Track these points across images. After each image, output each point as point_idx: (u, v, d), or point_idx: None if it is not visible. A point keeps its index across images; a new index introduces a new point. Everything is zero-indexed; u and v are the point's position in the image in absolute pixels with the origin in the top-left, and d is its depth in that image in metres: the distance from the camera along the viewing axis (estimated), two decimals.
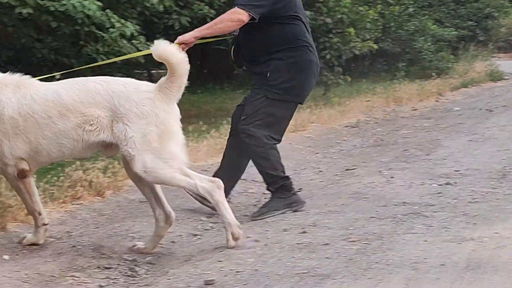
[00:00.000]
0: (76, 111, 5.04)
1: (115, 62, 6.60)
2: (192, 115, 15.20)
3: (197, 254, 5.11)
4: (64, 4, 8.25)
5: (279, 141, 6.52)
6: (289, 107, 6.47)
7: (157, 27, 12.77)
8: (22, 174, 5.17)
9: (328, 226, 5.70)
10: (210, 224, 6.14)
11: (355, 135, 11.66)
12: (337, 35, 14.02)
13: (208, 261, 4.82)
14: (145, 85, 5.28)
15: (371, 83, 17.49)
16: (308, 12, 13.57)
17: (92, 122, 5.05)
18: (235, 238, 5.13)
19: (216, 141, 9.46)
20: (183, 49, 5.97)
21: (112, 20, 8.75)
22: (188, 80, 5.23)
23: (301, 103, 6.71)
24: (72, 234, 5.67)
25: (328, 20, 13.80)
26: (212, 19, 11.60)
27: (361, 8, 14.62)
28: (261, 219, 6.19)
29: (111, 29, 8.72)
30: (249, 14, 6.11)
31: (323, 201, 6.70)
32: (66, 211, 6.32)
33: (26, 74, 5.24)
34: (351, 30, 14.03)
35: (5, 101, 5.03)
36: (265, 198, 7.30)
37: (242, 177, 8.13)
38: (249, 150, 6.39)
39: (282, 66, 6.31)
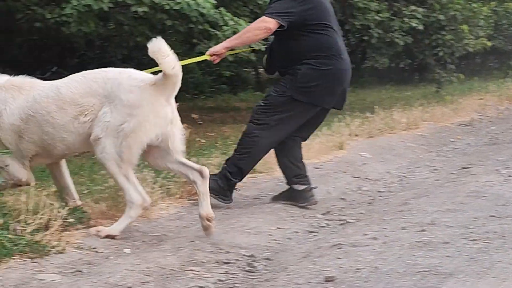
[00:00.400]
0: (72, 103, 5.22)
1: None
2: None
3: (314, 250, 5.05)
4: (179, 3, 8.37)
5: (280, 139, 6.52)
6: (309, 109, 6.47)
7: None
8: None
9: (447, 225, 5.54)
10: (325, 221, 6.08)
11: (468, 134, 11.38)
12: (450, 32, 13.76)
13: (327, 258, 4.76)
14: (142, 75, 5.36)
15: (483, 81, 17.05)
16: (420, 9, 13.40)
17: (86, 112, 5.22)
18: (105, 237, 5.21)
19: (328, 139, 9.38)
20: (214, 60, 6.31)
21: (226, 18, 8.83)
22: None
23: (320, 106, 6.52)
24: (190, 229, 5.72)
25: (441, 17, 13.56)
26: None
27: (474, 5, 14.28)
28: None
29: (224, 27, 8.80)
30: (277, 22, 6.21)
31: (441, 199, 6.52)
32: (183, 207, 6.39)
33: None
34: (465, 27, 13.74)
35: (7, 109, 5.28)
36: (380, 197, 7.22)
37: (356, 174, 8.10)
38: (244, 133, 6.54)
39: (312, 72, 6.35)
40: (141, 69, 5.59)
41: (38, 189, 5.60)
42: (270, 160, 8.05)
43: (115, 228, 5.26)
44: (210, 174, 5.61)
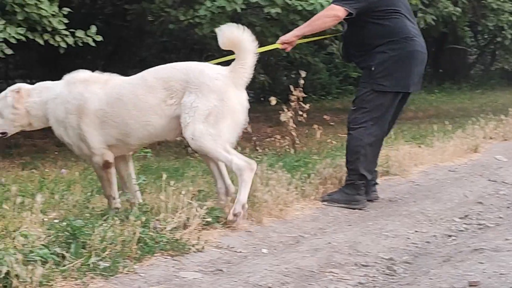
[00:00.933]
0: (159, 87, 5.42)
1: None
2: (431, 115, 14.89)
3: (455, 255, 4.91)
4: (312, 3, 8.37)
5: (382, 135, 6.64)
6: (395, 97, 6.55)
7: None
8: (107, 165, 5.57)
9: None
10: (464, 225, 5.91)
11: None
12: None
13: (469, 262, 4.62)
14: (216, 65, 5.66)
15: None
16: None
17: (172, 95, 5.43)
18: (235, 215, 5.38)
19: (463, 142, 9.17)
20: (286, 48, 6.50)
21: None
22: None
23: (408, 92, 6.66)
24: (326, 230, 5.70)
25: None
26: (457, 17, 11.32)
27: None
28: (324, 203, 6.48)
29: None
30: (345, 9, 6.34)
31: None
32: (318, 208, 6.38)
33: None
34: None
35: (87, 96, 5.46)
36: None
37: (492, 178, 7.85)
38: (347, 140, 6.64)
39: (385, 59, 6.45)
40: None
41: (176, 188, 5.73)
42: (404, 163, 7.96)
43: (240, 199, 5.41)
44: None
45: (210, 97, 5.38)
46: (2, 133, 5.70)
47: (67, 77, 5.63)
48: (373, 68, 6.49)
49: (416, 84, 6.67)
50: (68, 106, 5.48)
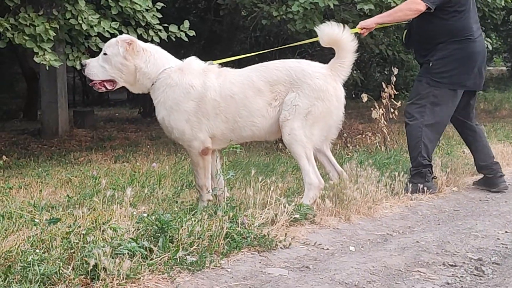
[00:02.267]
0: (267, 90, 5.61)
1: None
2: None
3: None
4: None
5: (440, 126, 6.84)
6: (450, 93, 6.77)
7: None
8: (205, 151, 5.66)
9: None
10: None
11: None
12: None
13: None
14: (317, 63, 5.81)
15: None
16: None
17: (276, 97, 5.63)
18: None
19: None
20: (363, 33, 6.71)
21: None
22: None
23: (459, 90, 6.82)
24: (414, 229, 5.64)
25: None
26: None
27: None
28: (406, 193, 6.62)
29: None
30: (426, 4, 6.58)
31: None
32: (407, 206, 6.33)
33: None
34: None
35: (209, 85, 5.59)
36: None
37: None
38: (407, 133, 6.91)
39: (445, 56, 6.71)
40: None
41: (265, 184, 5.77)
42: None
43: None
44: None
45: (311, 96, 5.59)
46: (110, 81, 5.68)
47: (185, 64, 5.71)
48: (431, 64, 6.74)
49: (476, 83, 6.85)
50: (190, 92, 5.57)
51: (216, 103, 5.59)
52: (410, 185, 6.67)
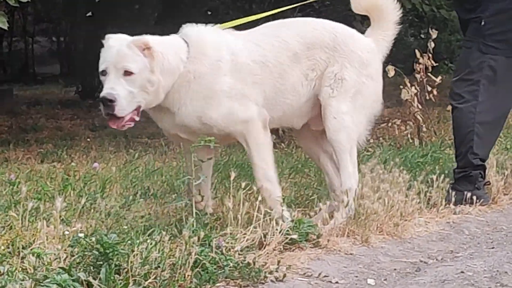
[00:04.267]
0: (303, 56, 5.81)
1: None
2: None
3: None
4: None
5: (502, 111, 6.94)
6: (510, 63, 6.87)
7: None
8: (267, 127, 5.78)
9: None
10: None
11: None
12: None
13: None
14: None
15: None
16: None
17: (314, 67, 5.84)
18: None
19: None
20: None
21: None
22: None
23: None
24: (459, 255, 5.68)
25: None
26: None
27: None
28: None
29: None
30: None
31: None
32: (448, 223, 6.37)
33: None
34: None
35: (234, 48, 5.74)
36: None
37: None
38: (453, 120, 7.04)
39: (502, 11, 6.78)
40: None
41: (251, 193, 5.77)
42: None
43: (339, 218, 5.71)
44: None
45: (361, 72, 5.85)
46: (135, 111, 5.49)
47: (195, 43, 5.71)
48: (483, 22, 6.79)
49: None
50: (220, 66, 5.66)
51: (249, 68, 5.72)
52: (454, 193, 6.70)
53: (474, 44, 6.87)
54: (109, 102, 5.32)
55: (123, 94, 5.34)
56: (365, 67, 5.89)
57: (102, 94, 5.35)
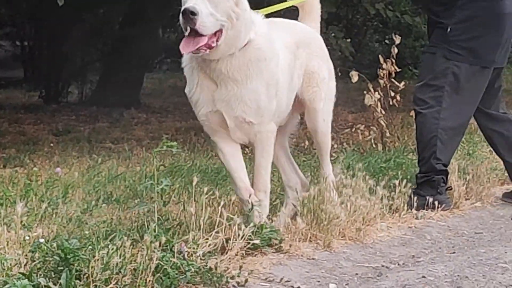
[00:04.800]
0: (295, 55, 5.86)
1: None
2: None
3: None
4: None
5: (465, 119, 7.05)
6: (476, 71, 6.91)
7: None
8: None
9: None
10: None
11: None
12: None
13: None
14: None
15: None
16: None
17: (301, 65, 5.93)
18: None
19: None
20: None
21: None
22: None
23: (488, 67, 7.00)
24: (420, 259, 5.71)
25: None
26: None
27: None
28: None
29: None
30: None
31: None
32: (410, 228, 6.40)
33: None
34: None
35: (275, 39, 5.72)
36: None
37: None
38: (417, 125, 7.10)
39: (467, 18, 6.85)
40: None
41: (213, 198, 5.77)
42: None
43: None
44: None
45: (329, 67, 6.10)
46: (214, 35, 5.36)
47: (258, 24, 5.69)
48: (449, 29, 6.83)
49: (503, 56, 7.01)
50: (276, 55, 5.66)
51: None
52: (416, 198, 6.73)
53: (438, 50, 6.92)
54: (191, 15, 5.17)
55: (206, 12, 5.23)
56: (329, 63, 6.09)
57: (185, 6, 5.19)
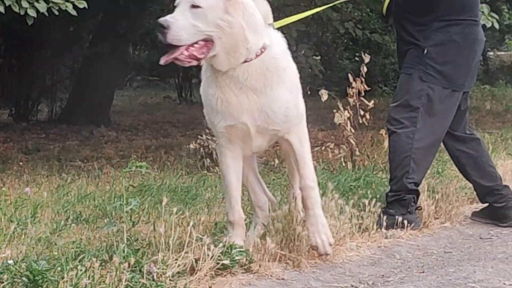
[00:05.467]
0: None
1: None
2: None
3: None
4: None
5: (437, 140, 7.09)
6: (447, 95, 6.96)
7: None
8: None
9: None
10: None
11: None
12: None
13: None
14: None
15: None
16: None
17: None
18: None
19: None
20: None
21: None
22: None
23: (458, 91, 7.04)
24: (390, 279, 5.70)
25: None
26: None
27: None
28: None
29: None
30: None
31: None
32: (380, 247, 6.40)
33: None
34: None
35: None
36: None
37: None
38: (390, 145, 7.09)
39: (443, 43, 6.90)
40: None
41: (182, 218, 5.76)
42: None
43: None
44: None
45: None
46: (203, 46, 5.36)
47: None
48: (425, 51, 6.87)
49: (471, 80, 7.12)
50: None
51: None
52: (385, 217, 6.73)
53: (414, 72, 6.92)
54: (161, 28, 5.25)
55: (181, 24, 5.26)
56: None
57: (159, 19, 5.29)
